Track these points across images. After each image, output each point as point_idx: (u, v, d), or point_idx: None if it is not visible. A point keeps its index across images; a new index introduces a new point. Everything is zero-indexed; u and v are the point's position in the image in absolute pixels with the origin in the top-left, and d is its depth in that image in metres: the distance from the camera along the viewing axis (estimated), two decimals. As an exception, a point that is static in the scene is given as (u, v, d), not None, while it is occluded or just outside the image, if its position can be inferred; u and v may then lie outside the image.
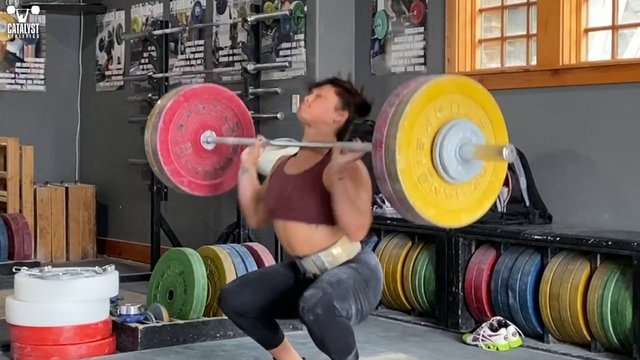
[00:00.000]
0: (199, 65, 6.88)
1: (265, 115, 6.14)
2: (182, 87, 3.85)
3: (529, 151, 4.97)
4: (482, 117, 2.96)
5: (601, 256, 4.33)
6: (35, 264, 6.16)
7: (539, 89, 5.09)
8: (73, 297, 4.10)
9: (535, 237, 4.55)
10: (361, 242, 3.45)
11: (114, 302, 4.49)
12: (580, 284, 4.34)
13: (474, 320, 4.81)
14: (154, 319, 4.38)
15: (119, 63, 7.79)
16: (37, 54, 7.96)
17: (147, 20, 7.43)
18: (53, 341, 4.07)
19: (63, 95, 8.11)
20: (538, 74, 5.07)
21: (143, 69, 7.45)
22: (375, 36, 5.94)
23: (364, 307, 3.28)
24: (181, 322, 4.43)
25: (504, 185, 4.18)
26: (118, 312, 4.41)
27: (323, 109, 3.40)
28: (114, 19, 7.82)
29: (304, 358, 3.72)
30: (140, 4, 7.51)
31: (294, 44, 6.04)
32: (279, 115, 6.03)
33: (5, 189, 7.24)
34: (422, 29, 5.67)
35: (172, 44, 7.10)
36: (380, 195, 4.86)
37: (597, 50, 5.04)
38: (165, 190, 6.59)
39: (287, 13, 6.04)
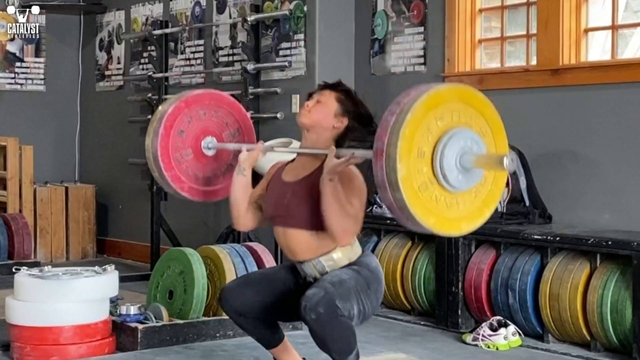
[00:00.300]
0: (199, 65, 6.88)
1: (265, 115, 6.14)
2: (184, 92, 3.84)
3: (529, 151, 4.97)
4: (483, 125, 2.96)
5: (601, 256, 4.33)
6: (35, 264, 6.15)
7: (539, 89, 5.09)
8: (73, 297, 4.10)
9: (535, 237, 4.55)
10: (362, 244, 3.46)
11: (114, 302, 4.48)
12: (580, 283, 4.34)
13: (474, 320, 4.81)
14: (153, 318, 4.38)
15: (118, 63, 7.79)
16: (37, 53, 7.96)
17: (147, 20, 7.43)
18: (53, 341, 4.07)
19: (63, 95, 8.11)
20: (538, 74, 5.08)
21: (143, 69, 7.45)
22: (375, 36, 5.94)
23: (365, 308, 3.28)
24: (181, 322, 4.43)
25: (503, 185, 4.18)
26: (118, 312, 4.41)
27: (323, 115, 3.40)
28: (114, 18, 7.82)
29: (304, 358, 3.72)
30: (140, 4, 7.51)
31: (293, 44, 6.05)
32: (278, 115, 6.03)
33: (5, 188, 7.24)
34: (422, 29, 5.67)
35: (172, 44, 7.10)
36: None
37: (597, 50, 5.04)
38: (165, 190, 6.59)
39: (287, 13, 6.04)
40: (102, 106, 7.96)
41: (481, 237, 4.77)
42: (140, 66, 7.50)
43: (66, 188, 7.59)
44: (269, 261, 4.70)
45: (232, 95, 6.05)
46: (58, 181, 7.82)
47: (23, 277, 4.18)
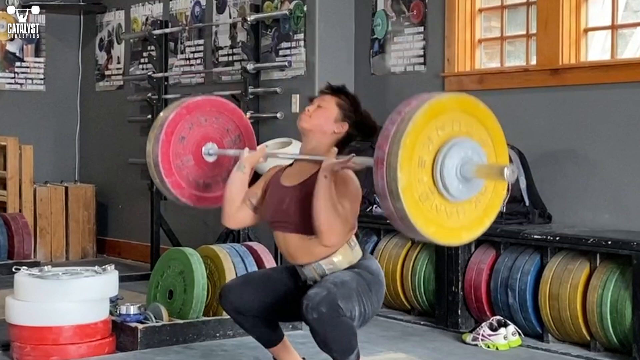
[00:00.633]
0: (199, 65, 6.88)
1: (264, 115, 6.14)
2: (185, 99, 3.83)
3: (529, 151, 4.97)
4: (483, 135, 2.96)
5: (601, 256, 4.33)
6: (35, 264, 6.15)
7: (539, 88, 5.09)
8: (73, 297, 4.10)
9: (535, 236, 4.55)
10: (361, 244, 3.45)
11: (114, 301, 4.48)
12: (580, 283, 4.34)
13: (474, 320, 4.81)
14: (153, 318, 4.38)
15: (118, 63, 7.79)
16: (37, 53, 7.96)
17: (146, 19, 7.43)
18: (53, 341, 4.07)
19: (63, 94, 8.11)
20: (538, 73, 5.08)
21: (143, 69, 7.45)
22: (375, 36, 5.94)
23: (366, 310, 3.28)
24: (181, 321, 4.43)
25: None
26: (118, 311, 4.41)
27: (323, 119, 3.40)
28: (114, 18, 7.82)
29: (304, 358, 3.72)
30: (140, 4, 7.51)
31: (293, 44, 6.05)
32: (278, 115, 6.04)
33: (5, 188, 7.24)
34: (421, 29, 5.66)
35: (171, 44, 7.10)
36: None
37: (597, 50, 5.04)
38: (165, 189, 6.59)
39: (287, 13, 6.04)
40: (102, 106, 7.96)
41: (481, 236, 4.73)
42: (140, 66, 7.50)
43: (66, 188, 7.59)
44: (269, 261, 4.70)
45: (232, 95, 6.14)
46: (58, 181, 7.82)
47: (23, 276, 4.18)
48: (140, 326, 4.30)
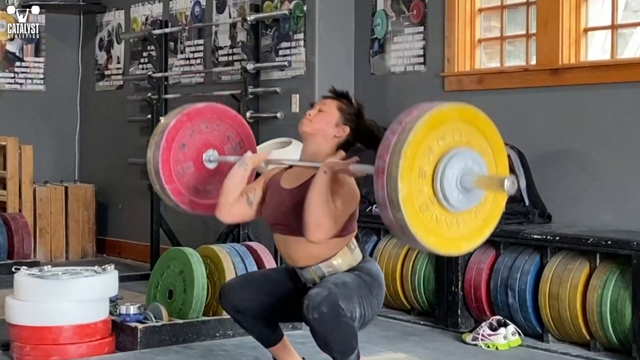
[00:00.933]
0: (199, 65, 6.88)
1: (264, 115, 6.14)
2: (186, 106, 3.83)
3: (529, 151, 4.97)
4: (483, 144, 2.95)
5: (600, 255, 4.33)
6: (35, 264, 6.15)
7: (539, 88, 5.09)
8: (72, 297, 4.10)
9: (535, 236, 4.55)
10: (361, 244, 3.45)
11: (114, 301, 4.48)
12: (580, 283, 4.34)
13: (474, 320, 4.81)
14: (153, 318, 4.38)
15: (118, 62, 7.79)
16: (37, 53, 7.96)
17: (146, 19, 7.43)
18: (52, 340, 4.06)
19: (62, 94, 8.11)
20: (537, 73, 5.08)
21: (143, 69, 7.45)
22: (375, 36, 5.94)
23: (366, 312, 3.28)
24: (181, 321, 4.43)
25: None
26: (117, 311, 4.40)
27: (324, 123, 3.40)
28: (114, 18, 7.82)
29: (303, 358, 3.72)
30: (140, 4, 7.51)
31: (293, 44, 6.05)
32: (278, 115, 6.03)
33: (4, 188, 7.24)
34: (421, 29, 5.66)
35: (171, 44, 7.10)
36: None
37: (597, 49, 5.04)
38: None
39: (287, 12, 6.04)
40: (102, 106, 7.96)
41: (481, 236, 4.76)
42: (140, 66, 7.50)
43: (66, 188, 7.59)
44: (269, 261, 4.70)
45: (232, 95, 6.14)
46: (58, 181, 7.82)
47: (23, 276, 4.18)
48: (140, 326, 4.30)
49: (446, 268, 4.84)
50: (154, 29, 7.03)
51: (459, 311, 4.81)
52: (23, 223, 6.84)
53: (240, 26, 6.44)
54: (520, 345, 4.46)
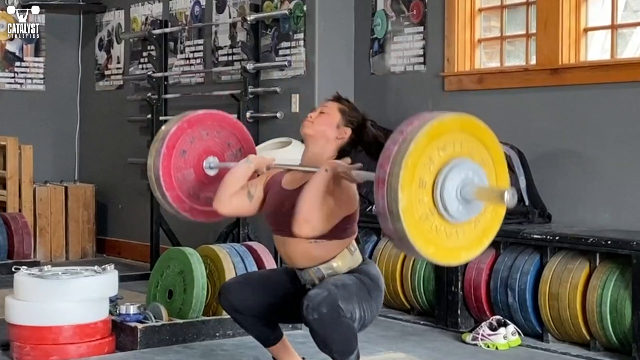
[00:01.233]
0: (199, 65, 6.88)
1: (264, 115, 6.14)
2: (186, 113, 3.83)
3: (529, 150, 4.97)
4: (484, 155, 2.94)
5: (600, 255, 4.33)
6: (35, 263, 6.15)
7: (539, 88, 5.09)
8: (72, 297, 4.10)
9: (535, 236, 4.55)
10: (361, 244, 3.45)
11: (114, 301, 4.48)
12: (580, 283, 4.34)
13: (474, 320, 4.81)
14: (153, 318, 4.38)
15: (118, 62, 7.79)
16: (37, 53, 7.96)
17: (146, 19, 7.43)
18: (52, 340, 4.07)
19: (62, 94, 8.11)
20: (537, 73, 5.08)
21: (142, 69, 7.44)
22: (375, 35, 5.94)
23: (366, 315, 3.28)
24: (180, 321, 4.43)
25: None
26: (117, 311, 4.41)
27: (326, 125, 3.41)
28: (114, 18, 7.82)
29: (303, 357, 3.72)
30: (140, 3, 7.51)
31: (293, 44, 6.05)
32: (278, 115, 6.03)
33: (4, 188, 7.24)
34: (421, 29, 5.66)
35: (171, 43, 7.10)
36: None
37: (597, 49, 5.05)
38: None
39: (287, 12, 6.04)
40: (102, 106, 7.96)
41: (481, 236, 4.76)
42: (140, 66, 7.50)
43: (66, 187, 7.59)
44: (269, 261, 4.70)
45: (232, 95, 6.14)
46: (57, 181, 7.82)
47: (22, 276, 4.18)
48: (140, 326, 4.30)
49: (446, 268, 4.84)
50: (154, 29, 7.03)
51: (459, 311, 4.81)
52: (23, 223, 6.84)
53: (240, 26, 6.44)
54: (520, 345, 4.46)
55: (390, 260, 5.17)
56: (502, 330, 4.44)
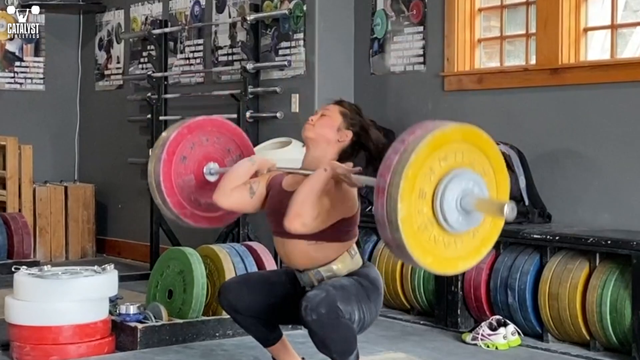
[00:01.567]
0: (198, 65, 6.88)
1: (264, 115, 6.14)
2: (186, 119, 3.83)
3: (528, 150, 4.97)
4: (485, 164, 2.94)
5: (600, 255, 4.33)
6: (35, 263, 6.15)
7: (538, 88, 5.09)
8: (72, 297, 4.10)
9: (535, 236, 4.55)
10: (361, 243, 3.44)
11: (113, 301, 4.48)
12: (580, 283, 4.34)
13: (473, 320, 4.81)
14: (153, 318, 4.38)
15: (118, 62, 7.79)
16: (37, 53, 7.96)
17: (146, 19, 7.43)
18: (52, 340, 4.07)
19: (62, 94, 8.11)
20: (537, 73, 5.08)
21: (142, 68, 7.44)
22: (375, 35, 5.94)
23: (365, 317, 3.28)
24: (180, 321, 4.43)
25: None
26: (117, 311, 4.41)
27: (327, 128, 3.41)
28: (113, 18, 7.82)
29: (303, 357, 3.72)
30: (140, 3, 7.51)
31: (293, 43, 6.04)
32: (278, 115, 6.03)
33: (4, 188, 7.24)
34: (421, 29, 5.66)
35: (171, 43, 7.10)
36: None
37: (597, 49, 5.05)
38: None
39: (287, 12, 6.04)
40: (102, 105, 7.96)
41: (480, 236, 4.76)
42: (140, 65, 7.50)
43: (65, 187, 7.59)
44: (269, 261, 4.70)
45: (232, 95, 6.13)
46: (57, 180, 7.82)
47: (22, 276, 4.18)
48: (139, 326, 4.30)
49: (446, 268, 4.84)
50: (154, 29, 7.03)
51: (459, 311, 4.81)
52: (23, 223, 6.84)
53: (240, 26, 6.44)
54: (520, 345, 4.46)
55: (390, 260, 5.17)
56: (502, 330, 4.45)
